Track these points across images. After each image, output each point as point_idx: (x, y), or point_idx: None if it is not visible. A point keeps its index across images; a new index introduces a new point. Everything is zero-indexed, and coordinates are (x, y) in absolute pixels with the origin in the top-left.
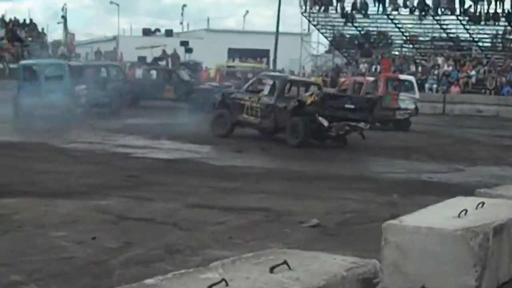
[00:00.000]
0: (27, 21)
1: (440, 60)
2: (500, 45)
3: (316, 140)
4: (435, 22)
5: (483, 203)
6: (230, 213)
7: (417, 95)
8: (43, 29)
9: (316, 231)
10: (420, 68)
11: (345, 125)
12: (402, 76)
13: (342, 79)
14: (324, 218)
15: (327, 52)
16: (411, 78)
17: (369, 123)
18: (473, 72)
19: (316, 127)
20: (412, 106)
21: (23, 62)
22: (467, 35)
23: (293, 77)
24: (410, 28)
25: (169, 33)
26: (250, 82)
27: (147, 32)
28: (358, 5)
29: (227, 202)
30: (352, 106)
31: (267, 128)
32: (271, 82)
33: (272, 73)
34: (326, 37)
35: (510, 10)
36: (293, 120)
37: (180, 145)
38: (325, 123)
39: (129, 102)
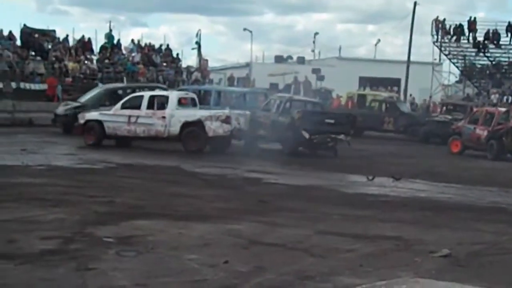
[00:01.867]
0: (163, 47)
1: None
2: None
3: (308, 150)
4: None
5: None
6: (361, 240)
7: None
8: (177, 54)
9: (446, 261)
10: None
11: (327, 137)
12: None
13: (474, 109)
14: (455, 249)
15: (457, 82)
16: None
17: (349, 135)
18: None
19: (304, 139)
20: None
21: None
22: None
23: (296, 97)
24: None
25: (301, 60)
26: None
27: (279, 59)
28: (491, 35)
29: (358, 230)
30: (332, 121)
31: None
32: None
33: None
34: (457, 67)
35: None
36: (286, 133)
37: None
38: (306, 136)
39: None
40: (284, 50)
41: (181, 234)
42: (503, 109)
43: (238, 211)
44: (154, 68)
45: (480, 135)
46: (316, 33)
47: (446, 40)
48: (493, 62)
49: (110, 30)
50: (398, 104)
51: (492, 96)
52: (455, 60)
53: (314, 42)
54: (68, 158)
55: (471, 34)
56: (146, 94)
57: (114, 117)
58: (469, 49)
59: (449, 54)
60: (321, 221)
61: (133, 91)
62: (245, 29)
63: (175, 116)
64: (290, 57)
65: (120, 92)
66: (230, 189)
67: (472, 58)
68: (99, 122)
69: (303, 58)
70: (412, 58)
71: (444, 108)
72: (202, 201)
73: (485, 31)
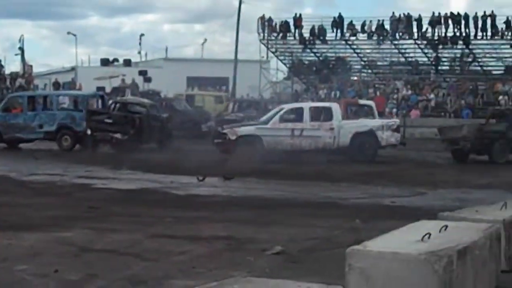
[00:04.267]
0: None
1: (399, 84)
2: (459, 68)
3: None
4: (393, 46)
5: (446, 226)
6: (194, 242)
7: (377, 119)
8: (0, 60)
9: (279, 258)
10: (378, 93)
11: (106, 135)
12: (362, 101)
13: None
14: (288, 245)
15: (286, 78)
16: (371, 103)
17: (127, 135)
18: (432, 96)
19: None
20: None
21: None
22: (426, 59)
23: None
24: (368, 53)
25: (127, 62)
26: None
27: (105, 62)
28: (316, 31)
29: (190, 232)
30: (111, 121)
31: None
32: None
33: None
34: (284, 64)
35: (467, 33)
36: None
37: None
38: (89, 132)
39: None
40: (111, 52)
41: (10, 244)
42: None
43: (68, 218)
44: None
45: None
46: (142, 35)
47: (273, 38)
48: (320, 58)
49: None
50: (174, 103)
51: (320, 92)
52: (282, 57)
53: (140, 43)
54: None
55: (297, 31)
56: None
57: None
58: (295, 46)
59: (276, 51)
60: (153, 224)
61: None
62: (69, 33)
63: None
64: (116, 59)
65: None
66: (59, 197)
67: (299, 54)
68: None
69: (129, 60)
70: (240, 57)
71: (236, 105)
72: (31, 209)
73: (310, 27)
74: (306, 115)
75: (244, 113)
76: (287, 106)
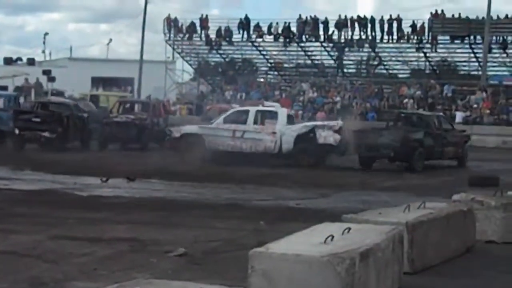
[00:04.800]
0: None
1: (305, 86)
2: (365, 71)
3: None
4: (299, 48)
5: (350, 228)
6: (96, 244)
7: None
8: None
9: (182, 260)
10: (284, 95)
11: (34, 134)
12: (267, 103)
13: (208, 107)
14: (191, 247)
15: (192, 80)
16: (276, 105)
17: (55, 133)
18: (338, 98)
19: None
20: None
21: None
22: (332, 62)
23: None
24: (275, 55)
25: (31, 61)
26: None
27: (8, 61)
28: (223, 32)
29: (93, 233)
30: (38, 120)
31: None
32: None
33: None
34: (190, 65)
35: (373, 36)
36: None
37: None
38: (17, 131)
39: None
40: (14, 51)
41: None
42: (237, 106)
43: None
44: None
45: None
46: (46, 33)
47: (179, 38)
48: (227, 59)
49: None
50: (80, 103)
51: (226, 93)
52: (188, 58)
53: (44, 42)
54: None
55: (203, 32)
56: None
57: None
58: (202, 47)
59: (182, 52)
60: (56, 226)
61: None
62: None
63: None
64: (20, 58)
65: None
66: None
67: (205, 55)
68: None
69: (33, 59)
70: (145, 57)
71: (121, 107)
72: None
73: (217, 28)
74: (251, 117)
75: (133, 114)
76: (235, 108)
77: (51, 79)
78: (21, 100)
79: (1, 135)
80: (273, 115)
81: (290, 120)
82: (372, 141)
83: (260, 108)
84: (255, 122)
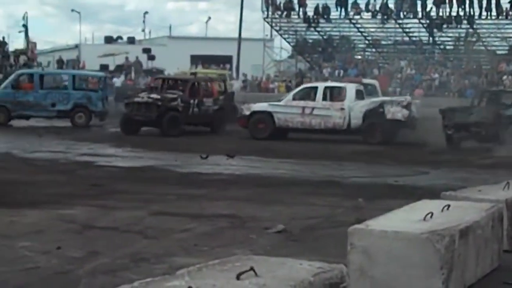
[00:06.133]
0: None
1: (403, 63)
2: (463, 47)
3: None
4: (397, 25)
5: (449, 205)
6: (196, 220)
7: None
8: (3, 38)
9: (281, 236)
10: (382, 72)
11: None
12: (366, 80)
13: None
14: (289, 224)
15: (290, 57)
16: (374, 82)
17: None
18: (436, 75)
19: None
20: None
21: None
22: (430, 39)
23: None
24: (372, 32)
25: (131, 40)
26: None
27: (109, 40)
28: (320, 9)
29: (193, 209)
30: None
31: None
32: None
33: None
34: (288, 43)
35: (471, 13)
36: None
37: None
38: None
39: None
40: (114, 30)
41: (13, 221)
42: None
43: (70, 196)
44: None
45: None
46: (146, 12)
47: (277, 16)
48: (324, 37)
49: None
50: None
51: (324, 70)
52: (286, 36)
53: (144, 21)
54: None
55: (301, 9)
56: None
57: None
58: (299, 24)
59: (280, 29)
60: (156, 202)
61: None
62: (73, 10)
63: None
64: (120, 37)
65: None
66: (62, 174)
67: (303, 33)
68: None
69: (133, 38)
70: (243, 35)
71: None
72: (33, 187)
73: (314, 6)
74: (319, 94)
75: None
76: (303, 85)
77: (151, 58)
78: (121, 78)
79: (90, 116)
80: (341, 91)
81: (360, 95)
82: (461, 120)
83: (329, 84)
84: (324, 99)
